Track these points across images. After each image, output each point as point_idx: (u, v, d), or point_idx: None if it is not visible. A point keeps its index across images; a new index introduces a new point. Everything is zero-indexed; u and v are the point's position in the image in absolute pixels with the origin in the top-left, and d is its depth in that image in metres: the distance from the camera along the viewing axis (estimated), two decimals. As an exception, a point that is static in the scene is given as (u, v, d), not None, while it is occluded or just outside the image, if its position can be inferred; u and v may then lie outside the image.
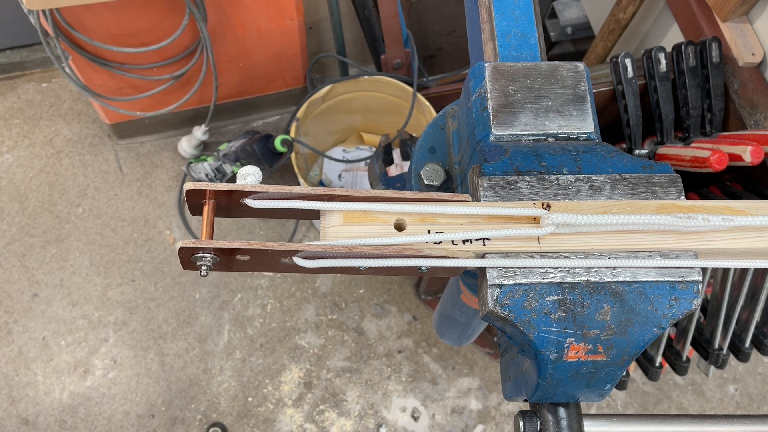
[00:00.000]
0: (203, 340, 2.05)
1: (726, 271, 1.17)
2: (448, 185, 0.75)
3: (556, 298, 0.53)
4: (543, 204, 0.55)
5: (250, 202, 0.55)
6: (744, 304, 1.16)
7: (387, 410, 2.02)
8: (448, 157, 0.77)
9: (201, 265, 0.54)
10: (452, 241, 0.55)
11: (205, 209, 0.55)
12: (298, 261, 0.54)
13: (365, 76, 1.96)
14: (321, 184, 2.21)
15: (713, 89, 1.44)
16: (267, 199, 0.55)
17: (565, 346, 0.52)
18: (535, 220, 0.55)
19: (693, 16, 1.54)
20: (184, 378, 2.01)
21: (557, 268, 0.54)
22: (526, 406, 0.61)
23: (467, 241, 0.55)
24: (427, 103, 1.88)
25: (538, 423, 0.58)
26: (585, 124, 0.64)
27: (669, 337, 1.26)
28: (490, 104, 0.64)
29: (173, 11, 1.67)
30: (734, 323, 1.17)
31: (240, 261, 0.55)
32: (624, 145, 1.51)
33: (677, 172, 0.60)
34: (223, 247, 0.52)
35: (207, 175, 2.04)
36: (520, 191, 0.56)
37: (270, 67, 2.07)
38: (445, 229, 0.55)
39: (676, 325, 1.26)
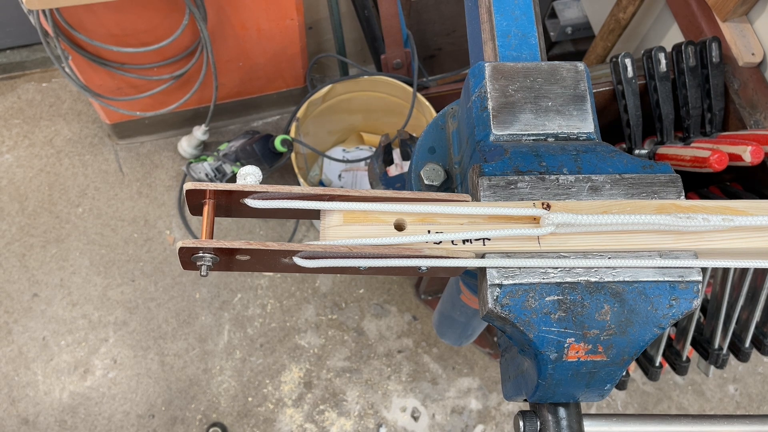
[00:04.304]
0: (203, 340, 2.05)
1: (726, 271, 1.17)
2: (448, 185, 0.75)
3: (556, 298, 0.53)
4: (543, 204, 0.55)
5: (250, 202, 0.55)
6: (744, 304, 1.16)
7: (387, 410, 2.02)
8: (448, 157, 0.77)
9: (201, 265, 0.54)
10: (452, 241, 0.55)
11: (205, 209, 0.55)
12: (298, 261, 0.54)
13: (365, 76, 1.96)
14: (321, 184, 2.21)
15: (713, 89, 1.44)
16: (267, 199, 0.55)
17: (565, 346, 0.52)
18: (535, 220, 0.55)
19: (693, 16, 1.54)
20: (184, 378, 2.01)
21: (557, 268, 0.54)
22: (526, 406, 0.61)
23: (467, 241, 0.55)
24: (427, 103, 1.88)
25: (538, 423, 0.58)
26: (585, 124, 0.64)
27: (669, 337, 1.26)
28: (490, 104, 0.64)
29: (173, 11, 1.67)
30: (734, 323, 1.17)
31: (240, 261, 0.55)
32: (624, 145, 1.51)
33: (677, 172, 0.60)
34: (223, 247, 0.52)
35: (207, 175, 2.04)
36: (520, 191, 0.56)
37: (270, 67, 2.07)
38: (445, 229, 0.55)
39: (676, 325, 1.26)
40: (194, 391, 2.00)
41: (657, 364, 1.25)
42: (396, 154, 1.52)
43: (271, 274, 2.14)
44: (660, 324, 0.53)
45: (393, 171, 1.49)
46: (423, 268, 0.55)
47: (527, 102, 0.64)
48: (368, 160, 2.07)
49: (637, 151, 1.48)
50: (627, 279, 0.54)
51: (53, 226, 2.15)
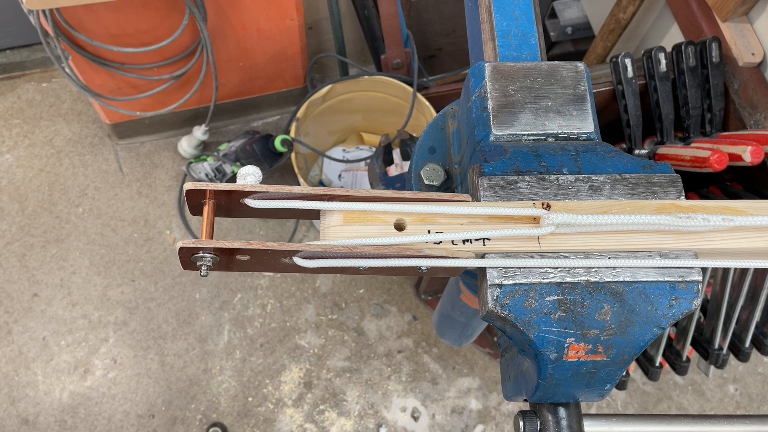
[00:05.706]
0: (203, 340, 2.05)
1: (726, 271, 1.17)
2: (448, 185, 0.75)
3: (556, 298, 0.53)
4: (543, 204, 0.55)
5: (250, 202, 0.55)
6: (744, 304, 1.16)
7: (387, 410, 2.02)
8: (448, 157, 0.77)
9: (201, 265, 0.54)
10: (452, 241, 0.55)
11: (205, 209, 0.55)
12: (298, 261, 0.54)
13: (365, 76, 1.96)
14: (321, 184, 2.21)
15: (713, 89, 1.44)
16: (267, 199, 0.55)
17: (565, 346, 0.52)
18: (535, 220, 0.55)
19: (693, 16, 1.54)
20: (184, 378, 2.01)
21: (557, 268, 0.54)
22: (526, 406, 0.61)
23: (467, 241, 0.55)
24: (427, 103, 1.88)
25: (538, 423, 0.58)
26: (585, 124, 0.64)
27: (669, 337, 1.26)
28: (490, 104, 0.64)
29: (173, 11, 1.67)
30: (734, 323, 1.17)
31: (240, 261, 0.55)
32: (624, 145, 1.51)
33: (677, 172, 0.60)
34: (223, 247, 0.52)
35: (207, 175, 2.04)
36: (520, 191, 0.56)
37: (270, 67, 2.07)
38: (445, 229, 0.55)
39: (676, 325, 1.26)
40: (194, 391, 2.00)
41: (657, 364, 1.25)
42: (396, 154, 1.52)
43: (271, 274, 2.14)
44: (660, 324, 0.53)
45: (393, 171, 1.49)
46: (423, 268, 0.55)
47: (527, 102, 0.64)
48: (368, 160, 2.07)
49: (637, 151, 1.48)
50: (627, 279, 0.54)
51: (53, 226, 2.15)
